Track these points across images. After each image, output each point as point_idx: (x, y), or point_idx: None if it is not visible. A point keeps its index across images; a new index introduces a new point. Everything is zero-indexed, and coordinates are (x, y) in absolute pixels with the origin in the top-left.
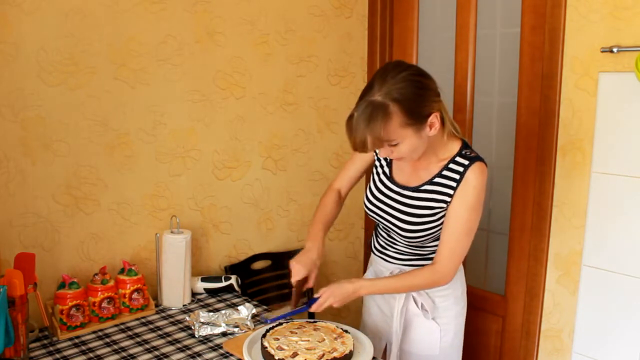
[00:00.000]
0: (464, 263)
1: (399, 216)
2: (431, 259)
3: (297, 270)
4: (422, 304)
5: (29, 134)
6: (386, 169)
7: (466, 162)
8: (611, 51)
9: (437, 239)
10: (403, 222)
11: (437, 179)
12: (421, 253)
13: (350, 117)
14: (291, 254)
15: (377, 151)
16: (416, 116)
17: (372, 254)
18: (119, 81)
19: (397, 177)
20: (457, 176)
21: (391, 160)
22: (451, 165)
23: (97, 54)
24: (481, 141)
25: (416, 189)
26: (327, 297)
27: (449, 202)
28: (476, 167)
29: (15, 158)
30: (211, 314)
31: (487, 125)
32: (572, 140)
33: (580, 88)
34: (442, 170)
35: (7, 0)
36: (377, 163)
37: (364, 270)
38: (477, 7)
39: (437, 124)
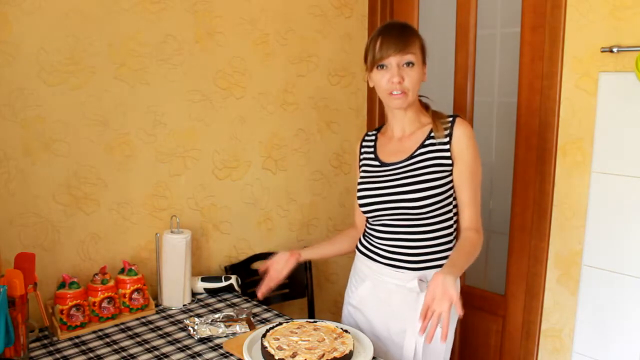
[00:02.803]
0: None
1: (405, 189)
2: (443, 250)
3: (274, 259)
4: None
5: (29, 134)
6: (374, 162)
7: (449, 119)
8: (611, 51)
9: (444, 210)
10: (411, 193)
11: (428, 141)
12: (434, 240)
13: (374, 34)
14: None
15: (391, 76)
16: (424, 49)
17: (369, 265)
18: (119, 81)
19: (386, 159)
20: (446, 132)
21: (375, 149)
22: (437, 125)
23: (97, 54)
24: (481, 141)
25: (411, 157)
26: (444, 313)
27: (449, 156)
28: (460, 120)
29: (16, 158)
30: (209, 316)
31: (487, 125)
32: (572, 140)
33: (580, 88)
34: (430, 132)
35: (7, 0)
36: (362, 163)
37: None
38: (477, 7)
39: (425, 74)
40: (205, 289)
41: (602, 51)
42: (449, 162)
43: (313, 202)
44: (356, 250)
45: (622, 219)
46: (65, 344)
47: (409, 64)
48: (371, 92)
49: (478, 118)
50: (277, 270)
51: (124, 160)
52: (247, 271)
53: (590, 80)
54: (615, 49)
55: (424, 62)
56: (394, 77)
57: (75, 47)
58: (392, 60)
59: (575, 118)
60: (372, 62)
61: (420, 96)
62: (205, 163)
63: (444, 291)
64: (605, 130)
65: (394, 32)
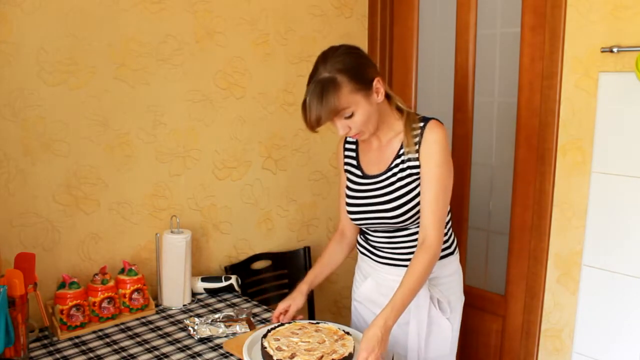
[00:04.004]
0: (464, 262)
1: (384, 207)
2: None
3: (278, 308)
4: (438, 300)
5: (29, 134)
6: (357, 171)
7: (421, 124)
8: (611, 51)
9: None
10: (391, 210)
11: (402, 150)
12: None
13: (304, 101)
14: (291, 254)
15: (338, 128)
16: (362, 81)
17: (369, 263)
18: (119, 81)
19: (368, 169)
20: (417, 139)
21: (357, 154)
22: (407, 136)
23: (97, 54)
24: (481, 141)
25: (388, 169)
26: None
27: (419, 165)
28: (431, 124)
29: (15, 158)
30: (209, 316)
31: (487, 125)
32: (572, 140)
33: (580, 88)
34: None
35: (7, 0)
36: (346, 168)
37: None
38: (477, 7)
39: (382, 89)
40: (205, 289)
41: (602, 51)
42: (418, 162)
43: (313, 202)
44: (357, 249)
45: (622, 219)
46: (65, 344)
47: (346, 117)
48: None
49: (478, 118)
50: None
51: (124, 160)
52: (247, 271)
53: (590, 80)
54: (615, 49)
55: (367, 89)
56: (339, 132)
57: (75, 47)
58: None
59: (575, 118)
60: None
61: (387, 95)
62: (205, 163)
63: (381, 347)
64: (605, 130)
65: (313, 108)
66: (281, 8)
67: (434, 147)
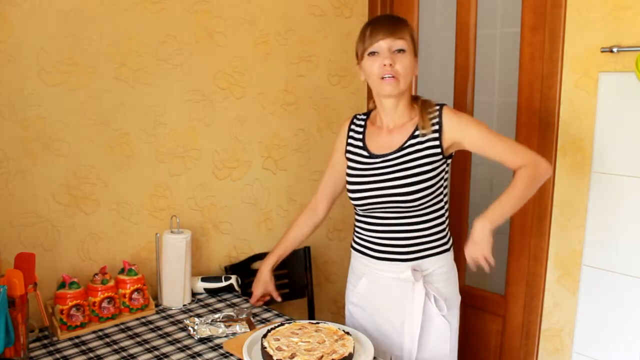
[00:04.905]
0: (464, 262)
1: (395, 183)
2: (434, 233)
3: (255, 295)
4: (434, 297)
5: (29, 134)
6: (362, 152)
7: (437, 107)
8: (611, 51)
9: (435, 200)
10: (402, 187)
11: (417, 132)
12: (426, 230)
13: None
14: (291, 254)
15: (384, 58)
16: (415, 44)
17: (364, 262)
18: (119, 81)
19: (375, 150)
20: (435, 120)
21: (364, 137)
22: (423, 117)
23: (97, 54)
24: None
25: (401, 149)
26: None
27: (439, 144)
28: (447, 107)
29: (16, 158)
30: (209, 316)
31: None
32: (572, 140)
33: (580, 88)
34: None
35: (7, 0)
36: (348, 148)
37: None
38: (477, 6)
39: (417, 68)
40: (205, 289)
41: (602, 51)
42: (439, 150)
43: None
44: (351, 249)
45: (622, 219)
46: (65, 344)
47: (400, 50)
48: (371, 91)
49: (478, 118)
50: (265, 291)
51: (124, 160)
52: (247, 271)
53: (590, 80)
54: (615, 49)
55: (415, 54)
56: (385, 60)
57: (75, 47)
58: (383, 45)
59: (575, 118)
60: (363, 50)
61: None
62: (205, 163)
63: (479, 241)
64: (605, 130)
65: (383, 20)
66: (281, 8)
67: (460, 121)
